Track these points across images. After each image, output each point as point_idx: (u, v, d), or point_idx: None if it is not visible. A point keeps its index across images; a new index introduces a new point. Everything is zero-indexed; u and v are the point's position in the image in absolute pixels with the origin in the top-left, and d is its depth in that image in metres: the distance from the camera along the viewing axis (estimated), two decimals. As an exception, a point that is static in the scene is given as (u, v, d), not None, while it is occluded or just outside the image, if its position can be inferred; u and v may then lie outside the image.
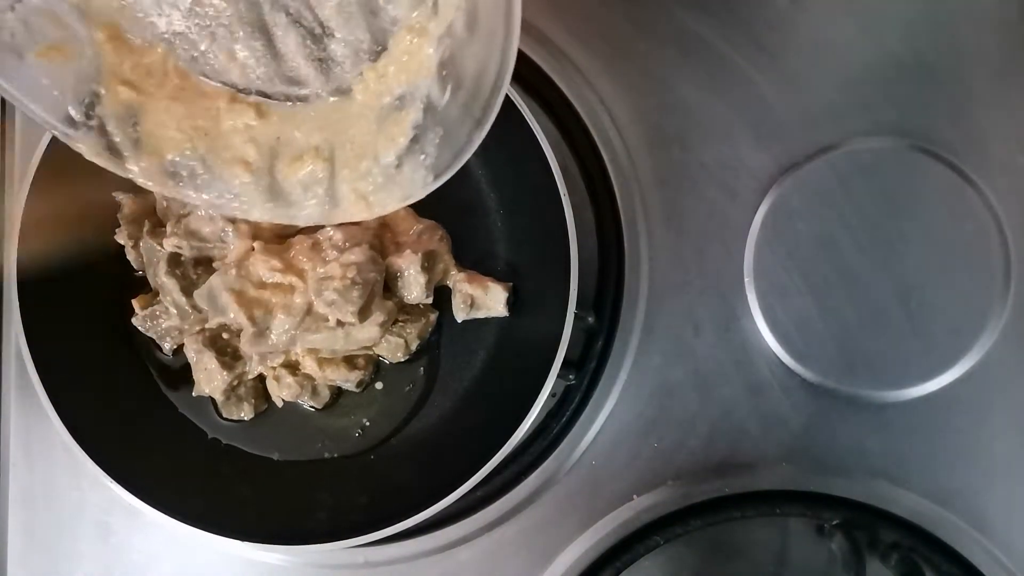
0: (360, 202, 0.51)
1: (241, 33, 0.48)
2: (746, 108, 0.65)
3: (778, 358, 0.63)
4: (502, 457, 0.54)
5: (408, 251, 0.60)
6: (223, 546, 0.58)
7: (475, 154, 0.63)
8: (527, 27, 0.67)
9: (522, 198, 0.62)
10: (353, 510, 0.59)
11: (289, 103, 0.52)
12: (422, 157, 0.49)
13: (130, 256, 0.63)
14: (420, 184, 0.49)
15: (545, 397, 0.55)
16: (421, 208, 0.63)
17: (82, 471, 0.61)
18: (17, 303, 0.58)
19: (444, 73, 0.46)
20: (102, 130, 0.50)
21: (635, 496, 0.62)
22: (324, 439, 0.63)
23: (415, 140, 0.48)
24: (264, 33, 0.48)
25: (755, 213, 0.64)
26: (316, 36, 0.48)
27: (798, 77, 0.66)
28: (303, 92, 0.51)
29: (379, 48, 0.49)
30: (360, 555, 0.63)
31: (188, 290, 0.60)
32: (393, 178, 0.50)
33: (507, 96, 0.57)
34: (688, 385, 0.63)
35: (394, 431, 0.63)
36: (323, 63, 0.49)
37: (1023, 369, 0.61)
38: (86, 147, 0.50)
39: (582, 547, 0.61)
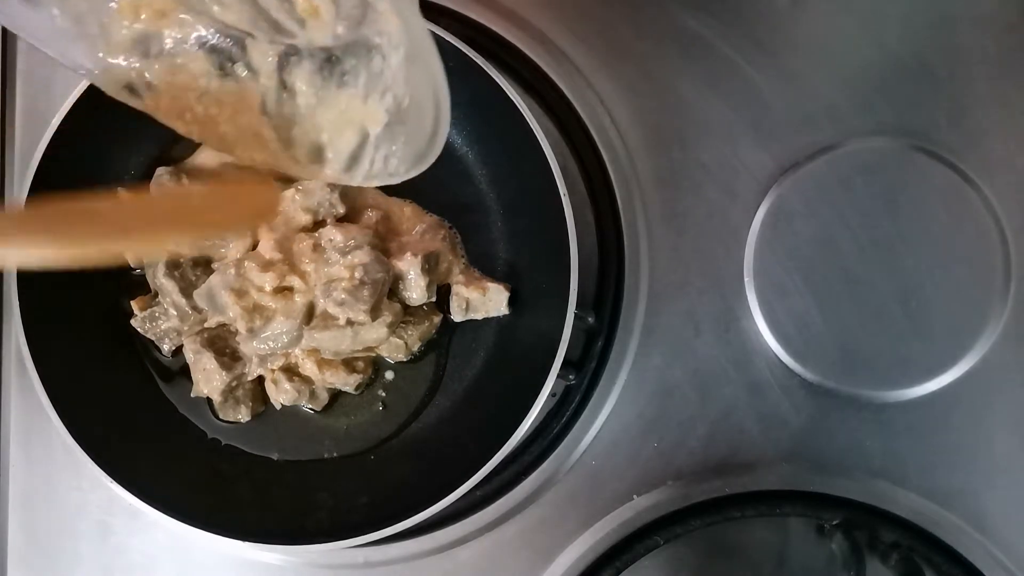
0: (330, 166, 0.53)
1: None
2: (746, 108, 0.65)
3: (778, 358, 0.63)
4: (502, 457, 0.54)
5: (408, 254, 0.60)
6: (223, 546, 0.58)
7: (475, 154, 0.64)
8: (527, 27, 0.68)
9: (522, 198, 0.62)
10: (353, 510, 0.59)
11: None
12: (393, 147, 0.51)
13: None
14: (378, 175, 0.52)
15: (545, 397, 0.55)
16: (422, 206, 0.63)
17: (82, 471, 0.61)
18: (17, 303, 0.58)
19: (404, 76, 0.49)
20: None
21: (635, 496, 0.62)
22: (324, 439, 0.63)
23: (388, 127, 0.50)
24: None
25: (755, 213, 0.64)
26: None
27: (798, 77, 0.66)
28: (291, 41, 0.52)
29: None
30: (360, 555, 0.63)
31: (187, 291, 0.60)
32: (364, 156, 0.52)
33: (507, 96, 0.57)
34: (688, 385, 0.63)
35: (394, 431, 0.62)
36: (302, 22, 0.50)
37: (1023, 369, 0.61)
38: (105, 84, 0.52)
39: (582, 547, 0.61)
